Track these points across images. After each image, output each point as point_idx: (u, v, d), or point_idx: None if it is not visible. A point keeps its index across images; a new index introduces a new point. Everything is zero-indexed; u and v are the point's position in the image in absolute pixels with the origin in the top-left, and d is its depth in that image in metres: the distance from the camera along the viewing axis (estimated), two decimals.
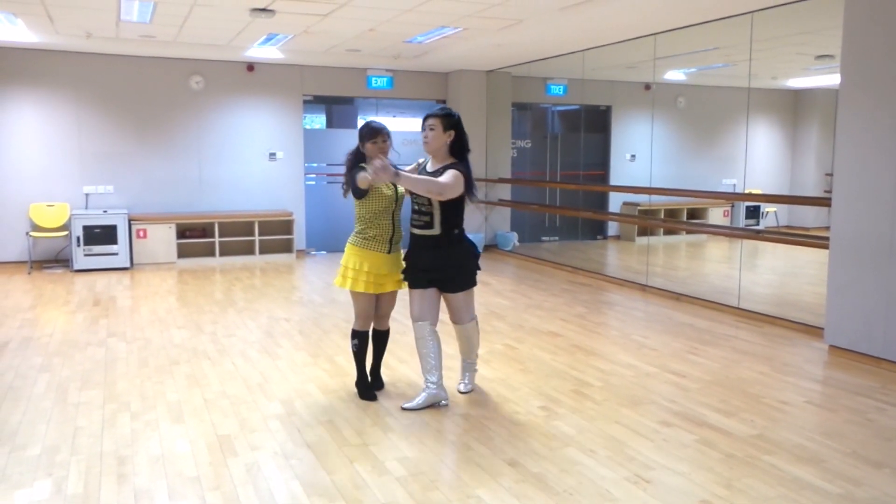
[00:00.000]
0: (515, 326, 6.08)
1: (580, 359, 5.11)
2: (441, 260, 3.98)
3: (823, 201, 5.84)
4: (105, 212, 8.98)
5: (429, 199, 3.89)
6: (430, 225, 3.94)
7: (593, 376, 4.70)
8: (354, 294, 4.10)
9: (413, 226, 4.01)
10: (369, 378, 4.32)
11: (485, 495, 3.03)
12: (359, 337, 4.21)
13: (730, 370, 4.86)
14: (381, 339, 4.38)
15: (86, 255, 8.80)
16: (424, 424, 3.83)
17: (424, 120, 3.96)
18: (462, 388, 4.35)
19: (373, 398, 4.20)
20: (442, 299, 4.12)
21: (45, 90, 9.02)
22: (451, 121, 3.93)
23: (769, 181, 12.31)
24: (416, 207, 3.97)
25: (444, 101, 11.19)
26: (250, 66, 9.91)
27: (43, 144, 9.07)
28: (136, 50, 8.94)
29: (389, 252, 4.08)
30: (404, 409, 4.01)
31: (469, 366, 4.39)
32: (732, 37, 7.37)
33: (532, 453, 3.46)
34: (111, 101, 9.33)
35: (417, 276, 4.02)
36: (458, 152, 3.97)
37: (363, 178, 3.81)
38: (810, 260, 9.07)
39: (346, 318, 4.91)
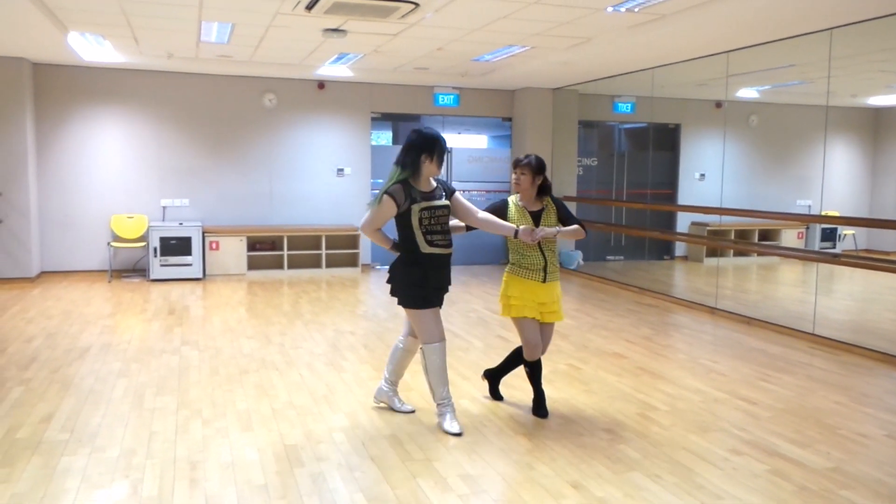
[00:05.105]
0: (579, 346, 6.01)
1: (646, 382, 5.02)
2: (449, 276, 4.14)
3: None
4: (181, 224, 9.33)
5: (447, 219, 4.00)
6: (451, 244, 4.03)
7: (659, 400, 4.60)
8: (518, 321, 4.18)
9: (437, 245, 3.95)
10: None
11: None
12: (530, 365, 4.28)
13: (804, 399, 4.68)
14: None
15: (162, 265, 9.15)
16: (487, 442, 3.83)
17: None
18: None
19: (544, 415, 4.26)
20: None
21: (127, 107, 9.46)
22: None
23: (846, 203, 11.83)
24: (439, 227, 3.96)
25: (509, 119, 11.23)
26: (321, 84, 10.17)
27: (125, 159, 9.51)
28: (214, 69, 9.30)
29: (545, 281, 4.16)
30: (458, 434, 3.96)
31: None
32: (810, 54, 7.15)
33: (596, 476, 3.41)
34: (189, 118, 9.71)
35: (439, 294, 4.07)
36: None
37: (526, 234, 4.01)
38: (891, 286, 8.67)
39: None
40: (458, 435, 3.90)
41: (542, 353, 4.27)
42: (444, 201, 3.99)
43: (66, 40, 7.26)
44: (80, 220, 9.36)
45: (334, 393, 4.66)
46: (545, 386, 4.68)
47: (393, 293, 4.04)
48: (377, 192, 3.98)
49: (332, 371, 5.18)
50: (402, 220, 3.92)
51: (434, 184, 4.01)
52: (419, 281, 3.93)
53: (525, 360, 4.29)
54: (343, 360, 5.47)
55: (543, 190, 4.24)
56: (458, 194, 4.12)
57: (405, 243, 3.96)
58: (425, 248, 3.91)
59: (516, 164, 4.22)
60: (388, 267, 4.10)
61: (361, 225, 4.00)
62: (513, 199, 4.27)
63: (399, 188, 3.88)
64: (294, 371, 5.16)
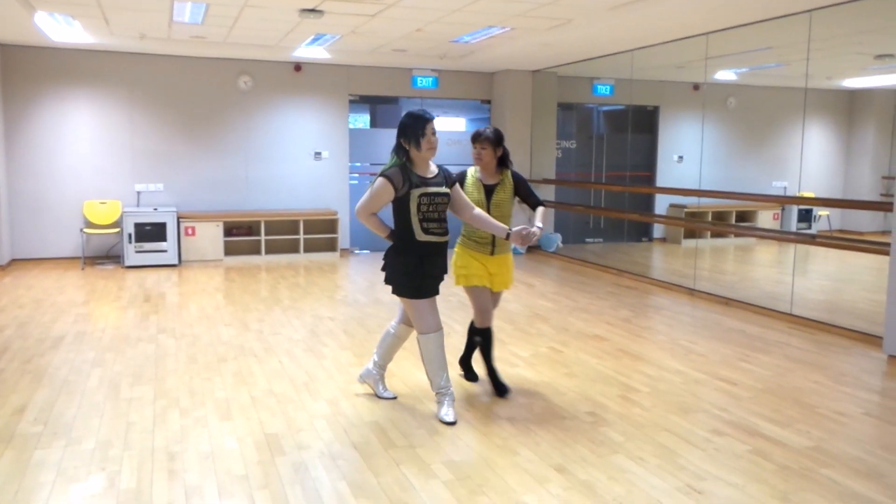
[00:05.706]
0: (560, 329, 6.01)
1: (627, 364, 5.03)
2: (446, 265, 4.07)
3: (885, 206, 5.65)
4: (155, 209, 9.17)
5: (446, 206, 3.90)
6: (447, 231, 3.95)
7: (641, 382, 4.62)
8: (470, 290, 4.25)
9: (433, 233, 3.85)
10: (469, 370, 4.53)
11: (532, 502, 2.99)
12: (481, 333, 4.32)
13: (783, 378, 4.72)
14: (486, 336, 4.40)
15: (136, 251, 8.99)
16: (471, 428, 3.81)
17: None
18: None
19: (504, 391, 4.32)
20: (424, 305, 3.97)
21: (99, 90, 9.25)
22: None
23: (821, 184, 11.97)
24: (436, 216, 3.84)
25: (488, 102, 11.16)
26: (297, 67, 10.01)
27: (97, 143, 9.31)
28: (187, 50, 9.11)
29: (493, 254, 4.21)
30: (452, 423, 3.88)
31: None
32: (788, 36, 7.17)
33: (580, 460, 3.41)
34: (162, 101, 9.52)
35: (435, 283, 3.98)
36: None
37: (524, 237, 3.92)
38: (866, 266, 8.79)
39: (390, 318, 4.93)
40: (452, 424, 3.85)
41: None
42: (444, 189, 3.87)
43: (34, 20, 7.05)
44: (51, 206, 9.16)
45: (315, 380, 4.61)
46: (526, 369, 4.69)
47: (387, 281, 3.97)
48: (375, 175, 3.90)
49: (312, 357, 5.13)
50: (400, 204, 3.81)
51: (435, 169, 3.90)
52: (414, 270, 3.85)
53: (476, 329, 4.32)
54: (323, 347, 5.42)
55: (502, 161, 4.24)
56: (457, 186, 4.01)
57: (400, 230, 3.85)
58: (421, 236, 3.82)
59: (475, 139, 4.20)
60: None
61: (356, 209, 3.90)
62: (471, 172, 4.27)
63: (397, 171, 3.77)
64: (273, 358, 5.10)
